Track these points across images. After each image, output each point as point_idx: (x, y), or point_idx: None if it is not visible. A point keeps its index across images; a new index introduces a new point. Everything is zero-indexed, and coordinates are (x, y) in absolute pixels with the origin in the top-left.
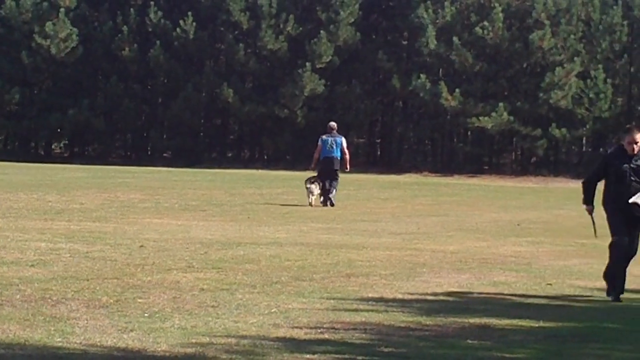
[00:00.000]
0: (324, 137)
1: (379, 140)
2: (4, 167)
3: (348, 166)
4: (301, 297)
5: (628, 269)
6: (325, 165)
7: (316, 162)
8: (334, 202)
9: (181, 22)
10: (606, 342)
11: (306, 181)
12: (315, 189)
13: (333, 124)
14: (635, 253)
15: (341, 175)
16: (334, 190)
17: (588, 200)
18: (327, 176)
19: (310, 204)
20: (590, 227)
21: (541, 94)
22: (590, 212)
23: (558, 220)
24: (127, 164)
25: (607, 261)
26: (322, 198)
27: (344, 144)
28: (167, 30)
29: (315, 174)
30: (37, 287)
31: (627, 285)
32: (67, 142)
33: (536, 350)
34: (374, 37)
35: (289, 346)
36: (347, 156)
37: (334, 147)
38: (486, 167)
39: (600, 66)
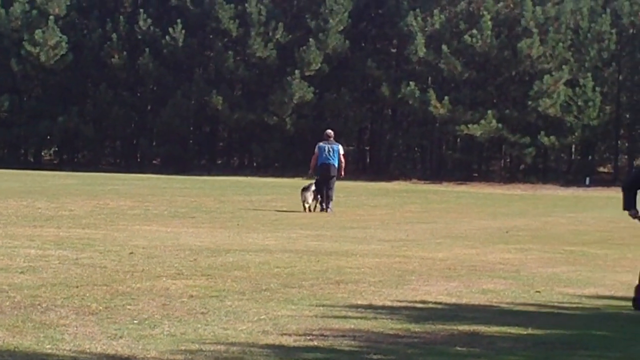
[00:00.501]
0: (320, 144)
1: (368, 148)
2: None
3: (343, 172)
4: (290, 304)
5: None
6: (323, 172)
7: (314, 168)
8: (331, 209)
9: (170, 29)
10: (594, 350)
11: (302, 190)
12: (310, 196)
13: (330, 131)
14: None
15: None
16: (331, 199)
17: (629, 205)
18: (324, 183)
19: (310, 210)
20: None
21: (530, 102)
22: (635, 215)
23: (546, 227)
24: (116, 171)
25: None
26: (322, 204)
27: (341, 151)
28: (156, 38)
29: (310, 181)
30: (27, 293)
31: (615, 293)
32: (56, 149)
33: (524, 357)
34: (363, 44)
35: (278, 353)
36: (344, 164)
37: (332, 154)
38: (475, 175)
39: (588, 74)
